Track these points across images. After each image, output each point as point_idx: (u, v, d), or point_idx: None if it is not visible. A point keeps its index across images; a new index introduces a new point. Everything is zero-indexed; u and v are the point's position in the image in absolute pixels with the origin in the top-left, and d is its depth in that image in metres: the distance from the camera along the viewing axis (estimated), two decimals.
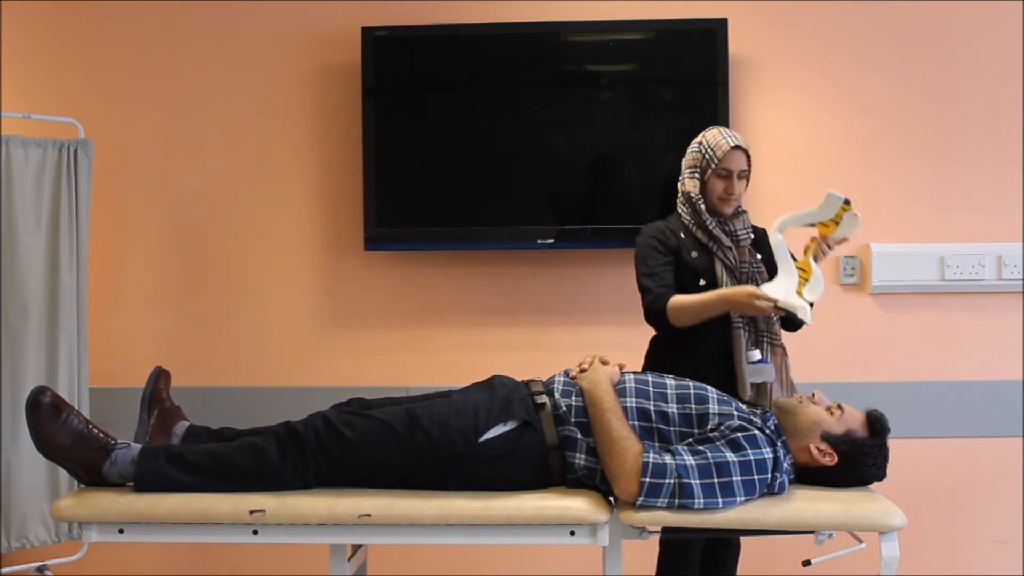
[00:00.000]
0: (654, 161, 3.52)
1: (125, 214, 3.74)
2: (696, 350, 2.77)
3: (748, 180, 2.86)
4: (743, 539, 2.94)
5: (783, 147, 3.64)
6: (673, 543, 2.84)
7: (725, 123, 3.43)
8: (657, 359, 2.87)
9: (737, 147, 2.80)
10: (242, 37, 3.73)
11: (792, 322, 2.80)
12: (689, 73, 3.56)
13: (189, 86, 3.73)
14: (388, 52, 3.57)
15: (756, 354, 2.73)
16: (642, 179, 3.55)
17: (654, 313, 2.77)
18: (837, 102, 3.64)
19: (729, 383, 2.71)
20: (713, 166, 2.80)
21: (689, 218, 2.85)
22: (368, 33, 3.57)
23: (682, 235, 2.85)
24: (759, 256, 2.84)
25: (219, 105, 3.73)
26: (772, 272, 2.76)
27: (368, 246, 3.60)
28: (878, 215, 3.61)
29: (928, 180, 3.62)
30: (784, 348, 2.83)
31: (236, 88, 3.73)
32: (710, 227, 2.81)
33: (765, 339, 2.79)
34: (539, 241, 3.55)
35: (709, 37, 3.51)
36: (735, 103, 3.58)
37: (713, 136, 2.84)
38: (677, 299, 2.74)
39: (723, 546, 2.91)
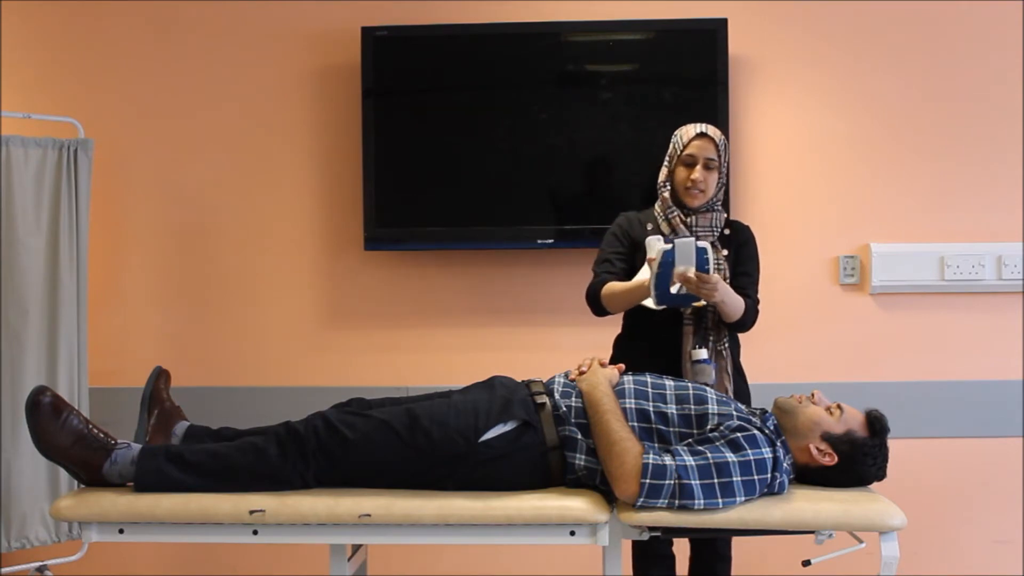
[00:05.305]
0: (654, 161, 3.48)
1: (125, 214, 3.74)
2: (653, 348, 2.76)
3: (721, 174, 2.79)
4: (739, 541, 2.92)
5: (783, 147, 3.64)
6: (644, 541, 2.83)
7: (725, 123, 3.43)
8: (619, 358, 2.81)
9: (702, 134, 2.77)
10: (242, 37, 3.73)
11: (742, 324, 2.75)
12: (689, 73, 3.56)
13: (189, 86, 3.73)
14: (388, 52, 3.57)
15: (702, 353, 2.69)
16: (642, 179, 3.54)
17: (591, 296, 2.82)
18: (837, 102, 3.64)
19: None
20: (679, 153, 2.79)
21: (659, 210, 2.85)
22: (368, 33, 3.57)
23: (649, 226, 2.84)
24: (725, 252, 2.80)
25: (219, 105, 3.73)
26: (735, 270, 2.77)
27: (368, 246, 3.60)
28: (878, 215, 3.61)
29: (928, 180, 3.62)
30: (726, 352, 2.76)
31: (236, 88, 3.73)
32: (671, 218, 2.79)
33: (712, 340, 2.74)
34: (539, 241, 3.55)
35: (709, 37, 3.51)
36: (735, 103, 3.58)
37: (685, 127, 2.83)
38: (611, 285, 2.77)
39: (713, 556, 2.87)
